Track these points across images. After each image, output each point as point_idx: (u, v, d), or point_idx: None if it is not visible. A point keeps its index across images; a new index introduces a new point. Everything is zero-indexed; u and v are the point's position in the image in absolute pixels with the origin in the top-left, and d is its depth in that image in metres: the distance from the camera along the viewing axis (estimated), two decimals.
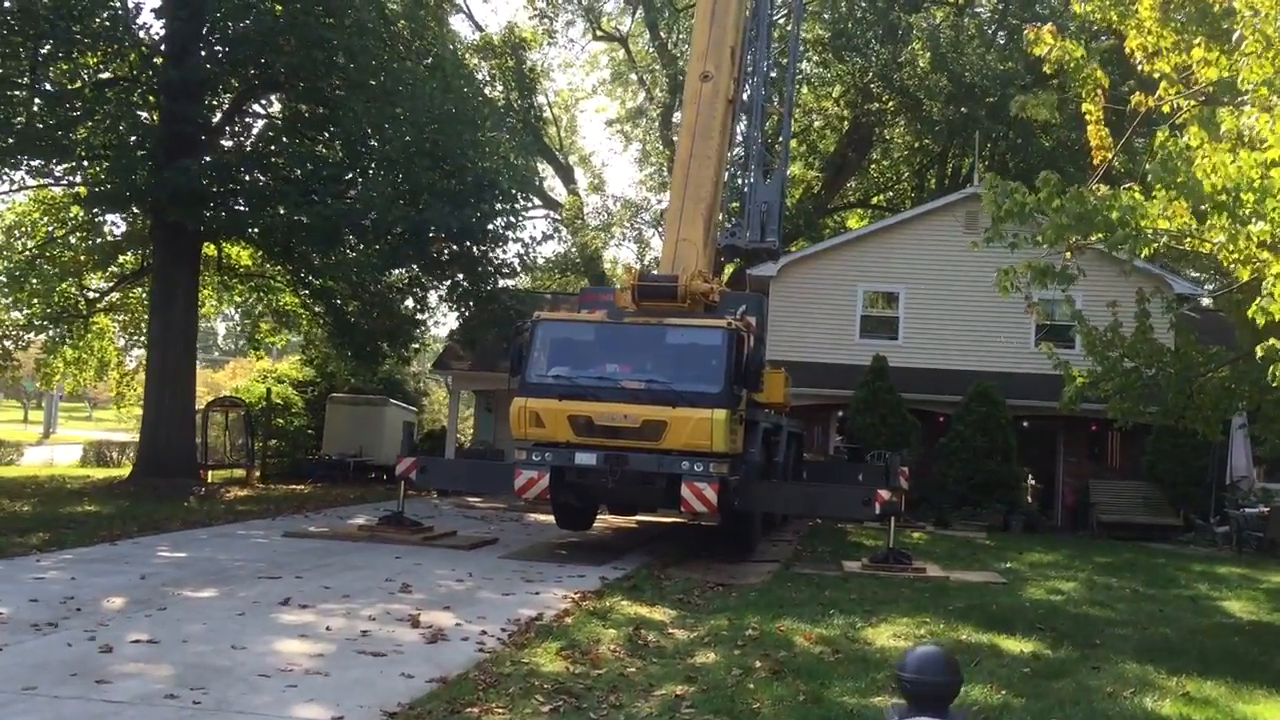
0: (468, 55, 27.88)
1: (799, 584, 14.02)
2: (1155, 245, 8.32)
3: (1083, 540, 22.46)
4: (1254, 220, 6.87)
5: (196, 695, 7.42)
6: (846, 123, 39.50)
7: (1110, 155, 10.57)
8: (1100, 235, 8.02)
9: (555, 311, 16.87)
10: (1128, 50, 10.15)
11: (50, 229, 27.28)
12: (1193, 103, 10.07)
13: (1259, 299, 6.87)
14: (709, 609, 12.13)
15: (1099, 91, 10.51)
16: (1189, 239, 8.16)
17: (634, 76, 43.90)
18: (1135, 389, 11.21)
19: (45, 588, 11.06)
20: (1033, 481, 26.30)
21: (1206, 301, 28.44)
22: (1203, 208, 7.54)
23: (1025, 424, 25.11)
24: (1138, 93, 8.94)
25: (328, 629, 9.79)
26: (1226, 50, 7.99)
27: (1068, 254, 8.76)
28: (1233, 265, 8.24)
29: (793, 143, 38.63)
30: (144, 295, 27.01)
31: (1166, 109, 9.95)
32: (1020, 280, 8.25)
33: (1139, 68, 10.26)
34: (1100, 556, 18.82)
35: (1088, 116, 10.61)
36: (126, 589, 11.20)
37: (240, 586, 11.71)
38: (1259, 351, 7.07)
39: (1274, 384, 6.93)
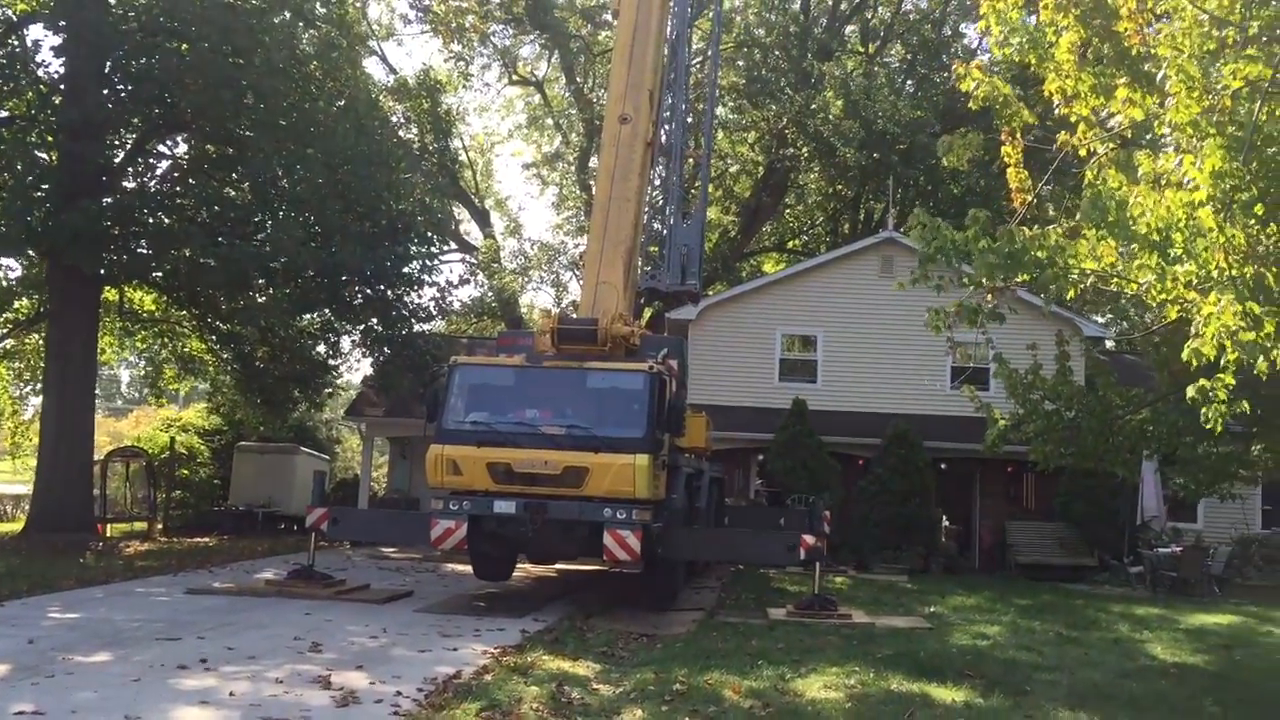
0: (382, 97, 27.45)
1: (724, 633, 13.71)
2: (1080, 286, 8.26)
3: (1001, 581, 22.54)
4: (1185, 260, 6.82)
5: None
6: (761, 168, 39.83)
7: (1030, 197, 10.58)
8: (1027, 275, 7.93)
9: (473, 356, 16.40)
10: (1046, 93, 10.19)
11: None
12: (1111, 145, 10.15)
13: (1190, 340, 6.81)
14: (634, 661, 11.75)
15: (1018, 134, 10.55)
16: (1115, 279, 8.12)
17: (550, 121, 43.82)
18: (1057, 431, 11.20)
19: None
20: (950, 523, 26.43)
21: (1110, 344, 29.03)
22: (1131, 247, 7.49)
23: (943, 465, 25.25)
24: (1062, 132, 8.92)
25: (231, 694, 9.20)
26: (1150, 91, 8.00)
27: (989, 296, 8.68)
28: (1158, 305, 8.21)
29: (710, 188, 38.88)
30: (40, 341, 25.90)
31: (1084, 153, 10.00)
32: (951, 320, 8.13)
33: (1056, 111, 10.31)
34: (1020, 598, 18.84)
35: (1007, 159, 10.61)
36: (12, 655, 10.45)
37: (137, 649, 11.01)
38: (1190, 392, 7.00)
39: (1206, 425, 6.86)
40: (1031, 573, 23.46)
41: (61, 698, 8.74)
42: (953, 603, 17.84)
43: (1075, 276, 8.27)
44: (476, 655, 11.43)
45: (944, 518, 25.88)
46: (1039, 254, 7.72)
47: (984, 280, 7.66)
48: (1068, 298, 7.79)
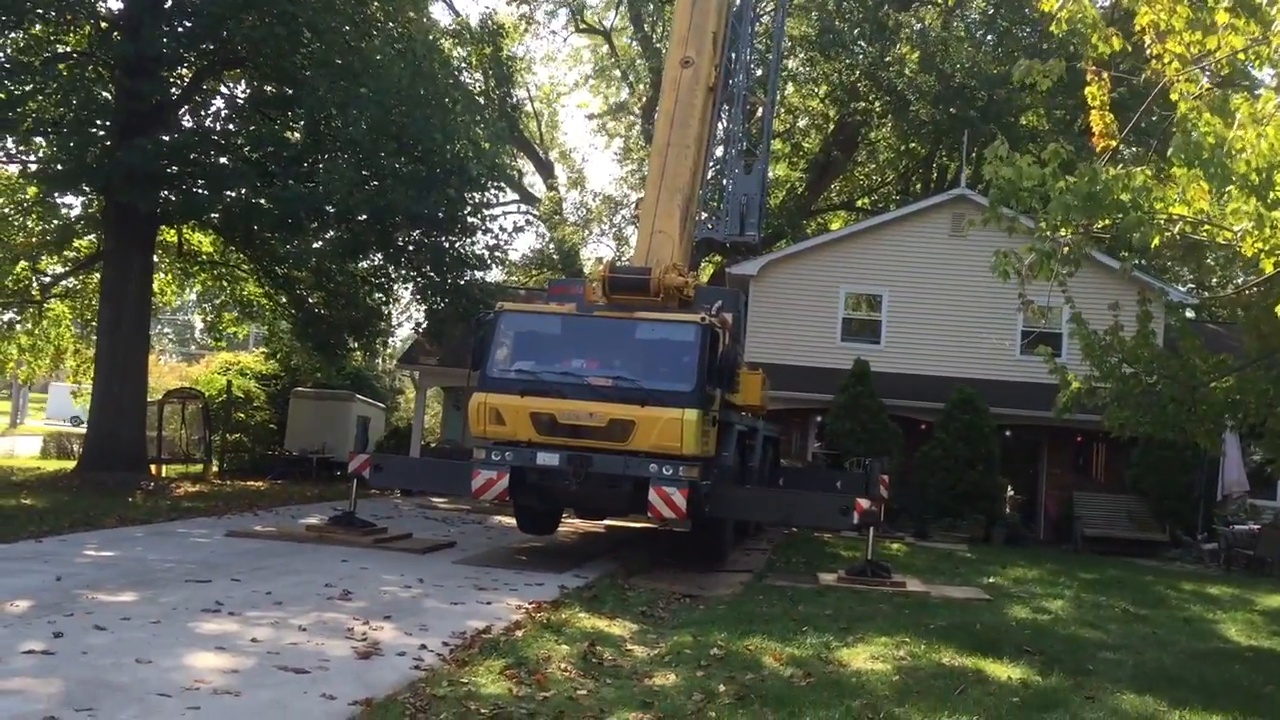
0: (443, 40, 26.90)
1: (771, 597, 13.18)
2: (1167, 233, 7.49)
3: (1066, 554, 21.74)
4: None
5: (80, 718, 6.51)
6: (832, 123, 38.74)
7: (1115, 143, 9.77)
8: (1108, 219, 7.18)
9: (519, 302, 15.92)
10: (1137, 28, 9.36)
11: (6, 210, 26.19)
12: (1206, 86, 9.29)
13: None
14: (673, 623, 11.29)
15: (1105, 75, 9.73)
16: (1206, 227, 7.34)
17: (617, 73, 43.06)
18: (1135, 397, 10.40)
19: None
20: (1014, 493, 25.59)
21: (1190, 314, 27.76)
22: (1227, 190, 6.71)
23: (1008, 433, 24.39)
24: (1153, 61, 8.10)
25: (252, 640, 8.87)
26: (1253, 18, 7.17)
27: (1065, 241, 7.94)
28: (1253, 257, 7.42)
29: (777, 143, 37.93)
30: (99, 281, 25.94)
31: (1175, 95, 9.17)
32: (1019, 264, 7.40)
33: (1148, 51, 9.47)
34: (1086, 572, 18.06)
35: (1091, 100, 9.82)
36: (37, 591, 10.24)
37: (164, 590, 10.76)
38: None
39: None
40: (1098, 546, 22.58)
41: (75, 638, 8.47)
42: (1013, 574, 17.12)
43: (1162, 222, 7.50)
44: (510, 610, 11.02)
45: (1008, 487, 25.02)
46: (1122, 196, 6.96)
47: (1060, 223, 6.93)
48: (1152, 245, 7.04)
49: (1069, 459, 25.68)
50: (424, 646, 9.03)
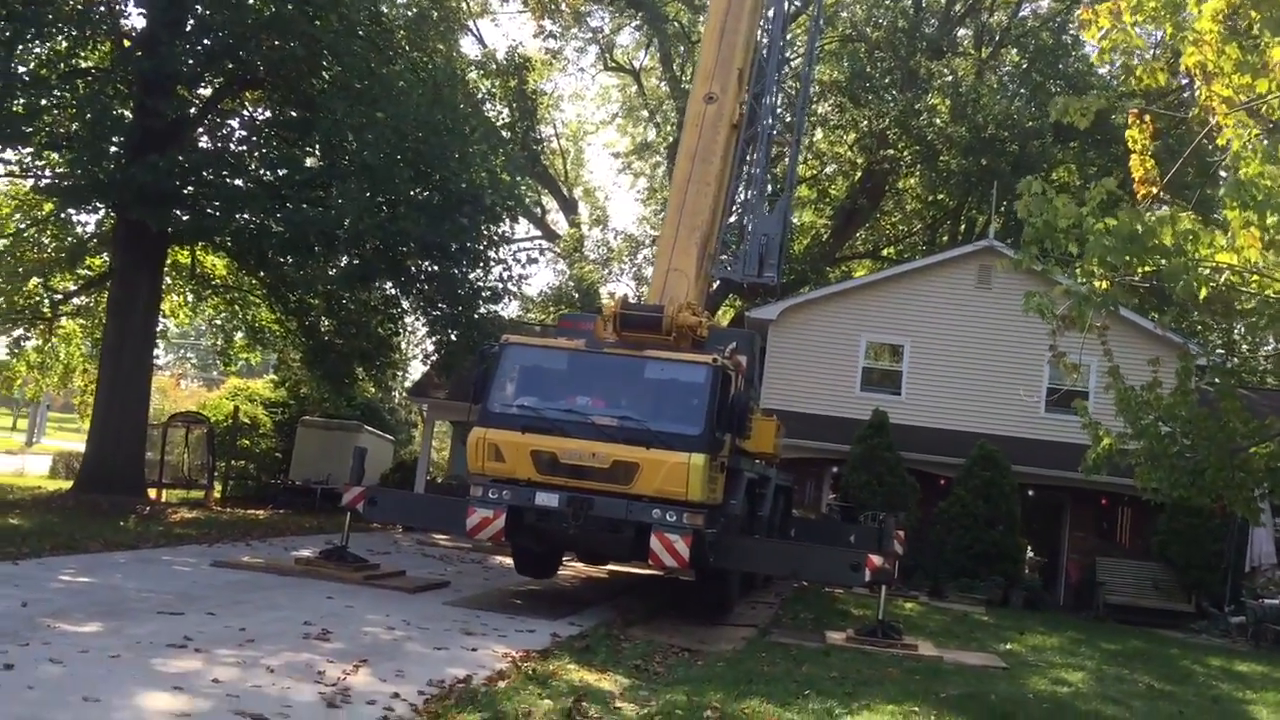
0: (468, 70, 26.70)
1: (774, 655, 12.49)
2: (1213, 283, 6.89)
3: (1087, 622, 20.92)
4: None
5: None
6: (860, 170, 38.29)
7: (1157, 190, 9.21)
8: (1148, 265, 6.59)
9: (524, 335, 15.42)
10: (1183, 68, 8.82)
11: (21, 225, 26.00)
12: (1255, 131, 8.73)
13: None
14: (668, 679, 10.62)
15: (1147, 118, 9.18)
16: (1255, 278, 6.74)
17: (645, 113, 42.86)
18: (1170, 458, 9.75)
19: None
20: (1035, 555, 24.76)
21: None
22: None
23: (1030, 493, 23.67)
24: (1198, 106, 7.56)
25: (213, 681, 8.28)
26: None
27: (1101, 284, 7.34)
28: None
29: (803, 188, 37.53)
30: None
31: (1222, 141, 8.61)
32: (1052, 308, 6.81)
33: (1196, 92, 8.93)
34: (1108, 642, 17.26)
35: (1131, 144, 9.26)
36: None
37: (133, 622, 10.19)
38: None
39: None
40: (1121, 615, 21.73)
41: (24, 671, 7.90)
42: (1032, 641, 16.34)
43: (1206, 272, 6.90)
44: (495, 658, 10.40)
45: (1028, 548, 24.21)
46: (1164, 239, 6.38)
47: (1096, 266, 6.35)
48: (1199, 296, 6.44)
49: (1093, 522, 24.87)
50: (396, 695, 8.42)
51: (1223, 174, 6.97)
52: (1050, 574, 24.94)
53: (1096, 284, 7.27)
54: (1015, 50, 39.62)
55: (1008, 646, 15.38)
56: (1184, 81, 8.97)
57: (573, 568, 19.27)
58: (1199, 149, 9.05)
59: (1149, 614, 21.72)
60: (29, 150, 21.25)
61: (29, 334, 26.50)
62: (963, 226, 39.89)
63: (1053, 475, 22.69)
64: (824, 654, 12.83)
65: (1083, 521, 24.81)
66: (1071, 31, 36.42)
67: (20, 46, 19.82)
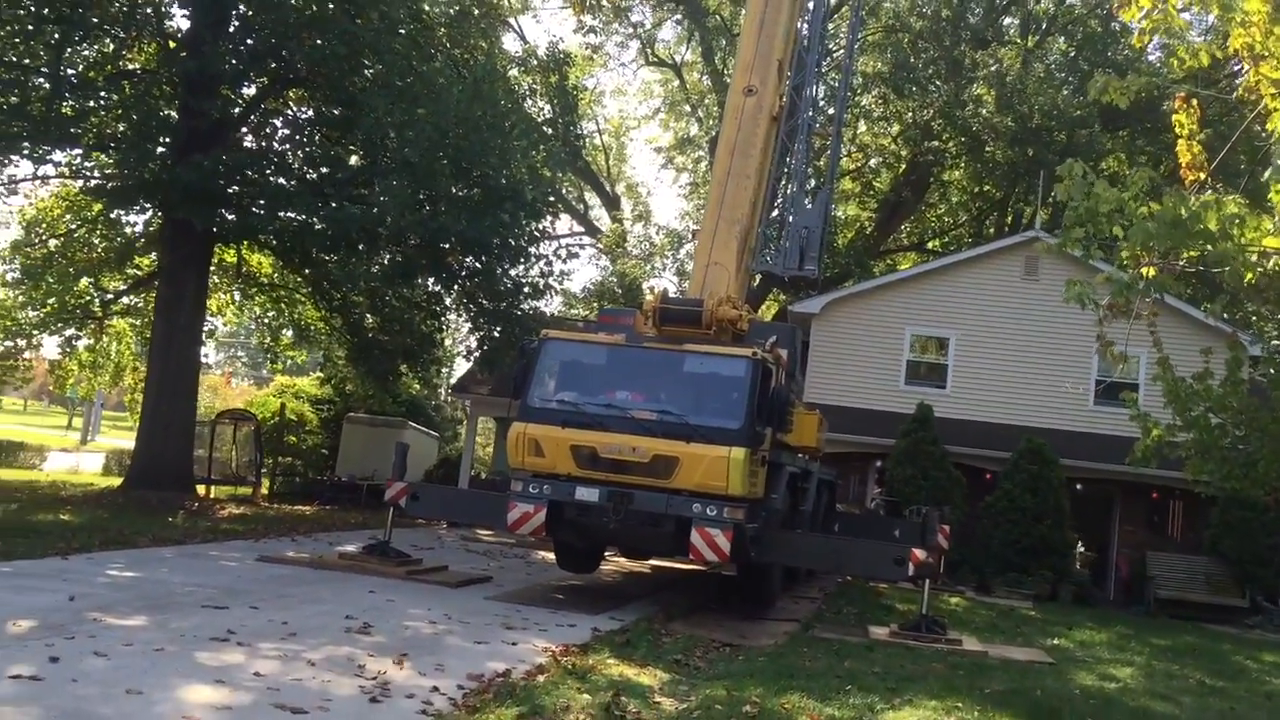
0: (508, 67, 26.76)
1: (817, 650, 12.39)
2: (1260, 269, 6.70)
3: (1137, 616, 20.59)
4: None
5: None
6: (904, 162, 37.92)
7: (1204, 175, 8.99)
8: (1193, 252, 6.43)
9: (564, 330, 15.41)
10: (1231, 50, 8.61)
11: (72, 226, 26.43)
12: None
13: None
14: (708, 674, 10.57)
15: (1194, 102, 8.97)
16: None
17: (687, 108, 42.74)
18: (1220, 449, 9.52)
19: None
20: (1084, 549, 24.40)
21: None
22: None
23: (1079, 486, 23.31)
24: (1244, 86, 7.36)
25: (255, 674, 8.35)
26: None
27: (1145, 271, 7.17)
28: None
29: (846, 181, 37.24)
30: None
31: (1271, 125, 8.39)
32: (1095, 294, 6.66)
33: (1243, 74, 8.71)
34: (1158, 638, 16.96)
35: (1178, 129, 9.05)
36: (45, 611, 9.83)
37: (177, 615, 10.31)
38: None
39: None
40: (1172, 609, 21.34)
41: (69, 664, 8.01)
42: (1080, 636, 16.10)
43: (1254, 258, 6.73)
44: (535, 652, 10.40)
45: (1077, 542, 23.86)
46: (1210, 224, 6.22)
47: (1140, 251, 6.20)
48: (1246, 280, 6.27)
49: (1143, 516, 24.46)
50: (436, 689, 8.44)
51: (1275, 160, 6.76)
52: (1100, 569, 24.56)
53: (1143, 270, 7.11)
54: (1062, 38, 39.04)
55: (1055, 642, 15.16)
56: (1235, 67, 8.75)
57: (615, 563, 19.26)
58: (1249, 133, 8.80)
59: (1201, 609, 21.32)
60: (78, 151, 21.56)
61: (80, 333, 26.94)
62: (1009, 218, 39.38)
63: (1101, 468, 22.38)
64: (867, 649, 12.71)
65: (1133, 515, 24.42)
66: (1120, 19, 35.70)
67: (69, 49, 20.11)
